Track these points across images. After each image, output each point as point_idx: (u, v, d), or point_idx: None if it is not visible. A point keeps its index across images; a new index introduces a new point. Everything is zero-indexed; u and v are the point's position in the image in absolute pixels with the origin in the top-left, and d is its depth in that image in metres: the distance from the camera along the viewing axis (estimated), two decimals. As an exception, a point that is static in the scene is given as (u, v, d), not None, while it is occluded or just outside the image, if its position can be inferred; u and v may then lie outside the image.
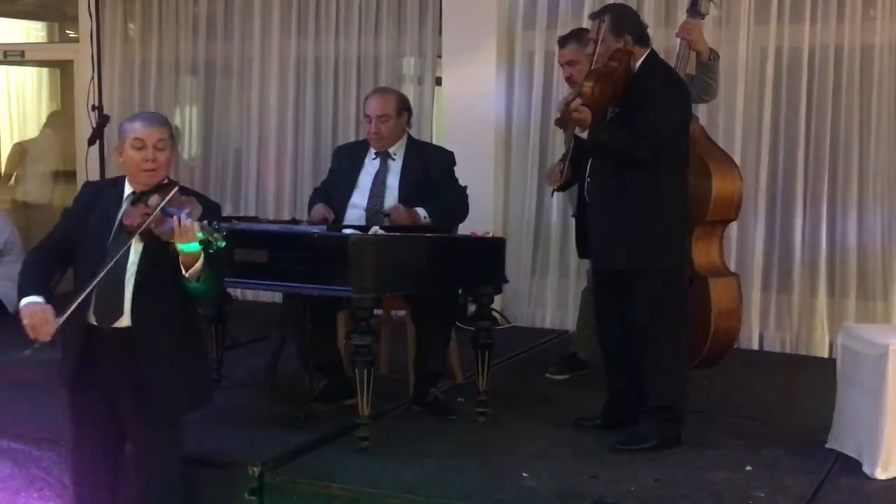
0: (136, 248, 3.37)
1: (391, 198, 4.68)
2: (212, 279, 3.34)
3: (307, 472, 3.92)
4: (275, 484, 3.88)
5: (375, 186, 4.73)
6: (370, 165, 4.78)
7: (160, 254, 3.33)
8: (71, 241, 3.48)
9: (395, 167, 4.74)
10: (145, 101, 7.55)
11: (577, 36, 4.99)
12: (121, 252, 3.31)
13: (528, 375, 5.38)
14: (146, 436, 3.46)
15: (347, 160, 4.87)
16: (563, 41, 5.11)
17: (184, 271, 3.28)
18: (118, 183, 3.54)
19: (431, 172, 4.73)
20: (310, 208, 4.83)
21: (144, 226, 3.29)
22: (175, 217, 3.24)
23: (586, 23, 5.64)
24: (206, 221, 3.23)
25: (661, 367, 4.16)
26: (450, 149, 4.98)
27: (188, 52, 7.47)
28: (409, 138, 4.85)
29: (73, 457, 3.63)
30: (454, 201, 4.75)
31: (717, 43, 6.05)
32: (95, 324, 3.39)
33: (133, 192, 3.45)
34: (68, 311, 3.28)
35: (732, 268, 5.48)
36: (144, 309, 3.38)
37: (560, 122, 4.26)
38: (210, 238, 3.19)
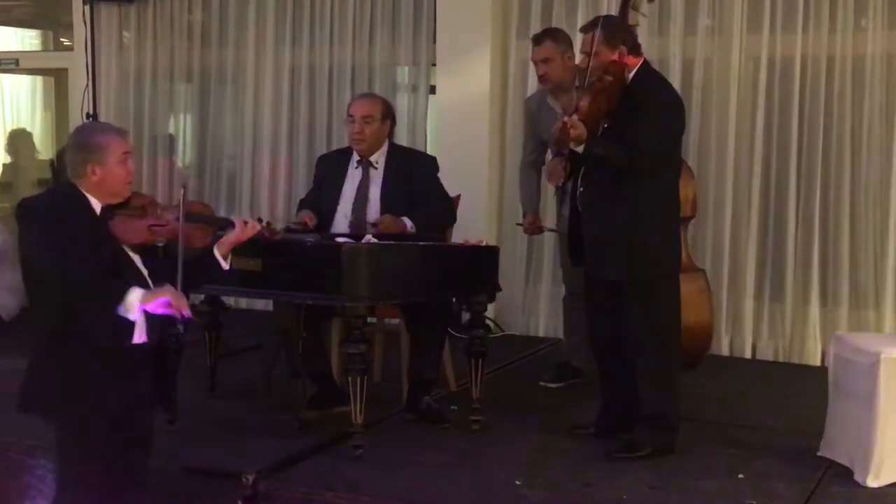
0: (135, 259, 3.30)
1: (374, 209, 4.66)
2: None
3: (301, 481, 3.92)
4: (269, 492, 3.87)
5: (358, 198, 4.71)
6: (352, 175, 4.76)
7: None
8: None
9: (377, 177, 4.72)
10: (140, 109, 7.55)
11: (552, 34, 5.03)
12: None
13: (521, 383, 5.38)
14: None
15: (330, 169, 4.86)
16: (538, 39, 5.10)
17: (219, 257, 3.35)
18: (75, 196, 3.18)
19: (415, 178, 4.71)
20: None
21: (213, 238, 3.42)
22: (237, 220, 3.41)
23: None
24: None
25: (655, 375, 4.17)
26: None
27: (183, 60, 7.46)
28: (391, 145, 4.82)
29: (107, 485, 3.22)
30: (438, 209, 4.74)
31: (709, 52, 6.10)
32: (137, 343, 3.13)
33: (109, 206, 3.20)
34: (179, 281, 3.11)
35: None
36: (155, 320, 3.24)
37: (558, 145, 4.14)
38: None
